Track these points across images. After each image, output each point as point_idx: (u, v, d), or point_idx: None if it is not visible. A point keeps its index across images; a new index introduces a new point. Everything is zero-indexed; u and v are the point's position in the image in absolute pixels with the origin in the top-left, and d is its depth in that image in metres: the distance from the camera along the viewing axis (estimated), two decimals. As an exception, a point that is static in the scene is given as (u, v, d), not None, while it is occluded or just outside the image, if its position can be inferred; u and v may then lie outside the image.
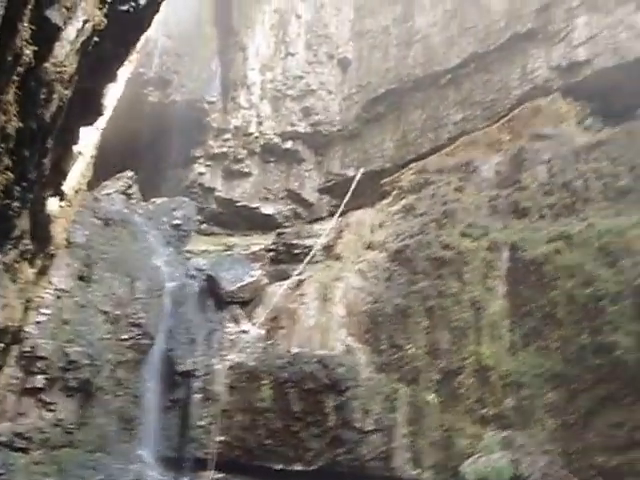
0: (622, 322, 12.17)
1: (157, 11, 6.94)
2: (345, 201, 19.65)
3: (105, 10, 5.94)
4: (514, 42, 18.81)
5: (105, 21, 6.00)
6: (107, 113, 8.71)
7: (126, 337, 15.41)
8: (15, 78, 5.10)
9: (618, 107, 15.92)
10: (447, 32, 20.52)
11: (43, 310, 13.96)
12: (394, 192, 17.95)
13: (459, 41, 20.12)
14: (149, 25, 6.96)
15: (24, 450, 13.54)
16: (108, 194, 18.96)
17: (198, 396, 15.16)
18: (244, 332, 16.12)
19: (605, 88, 16.64)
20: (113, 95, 8.60)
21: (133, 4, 6.26)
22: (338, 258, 16.82)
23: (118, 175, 20.03)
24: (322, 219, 21.23)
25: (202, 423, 14.86)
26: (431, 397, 13.88)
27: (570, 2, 17.75)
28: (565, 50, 17.73)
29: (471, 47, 19.78)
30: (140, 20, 6.61)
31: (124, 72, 7.86)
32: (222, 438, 14.60)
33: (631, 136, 14.60)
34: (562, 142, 15.83)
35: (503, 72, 19.00)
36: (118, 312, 15.50)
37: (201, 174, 22.91)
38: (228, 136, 22.86)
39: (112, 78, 7.17)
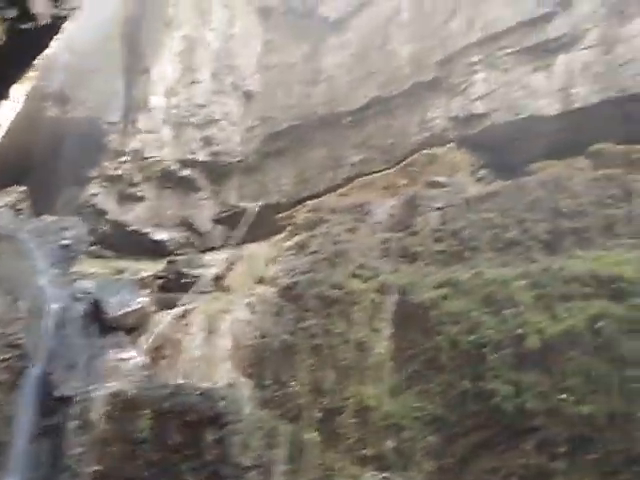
0: (502, 370, 12.42)
1: (59, 31, 6.82)
2: (239, 233, 19.60)
3: (4, 27, 5.81)
4: (417, 90, 19.22)
5: (4, 38, 5.87)
6: (3, 126, 8.50)
7: (2, 358, 14.87)
8: None
9: (510, 161, 16.43)
10: (352, 74, 20.81)
11: None
12: (288, 228, 18.04)
13: (363, 84, 20.42)
14: (49, 44, 6.84)
15: None
16: (-4, 208, 18.42)
17: (74, 423, 14.71)
18: (127, 359, 15.78)
19: (499, 142, 17.18)
20: (10, 110, 8.39)
21: (34, 23, 6.14)
22: (228, 290, 16.71)
23: (9, 189, 19.48)
24: (215, 249, 21.06)
25: (76, 451, 14.40)
26: (312, 435, 13.82)
27: (470, 57, 18.31)
28: (464, 102, 18.21)
29: (375, 91, 20.10)
30: (40, 39, 6.49)
31: (21, 89, 7.68)
32: (97, 468, 14.16)
33: (521, 190, 15.04)
34: (455, 191, 16.21)
35: (404, 118, 19.35)
36: (-4, 332, 14.98)
37: (95, 195, 22.45)
38: (125, 158, 22.51)
39: (5, 95, 7.00)
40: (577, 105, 16.50)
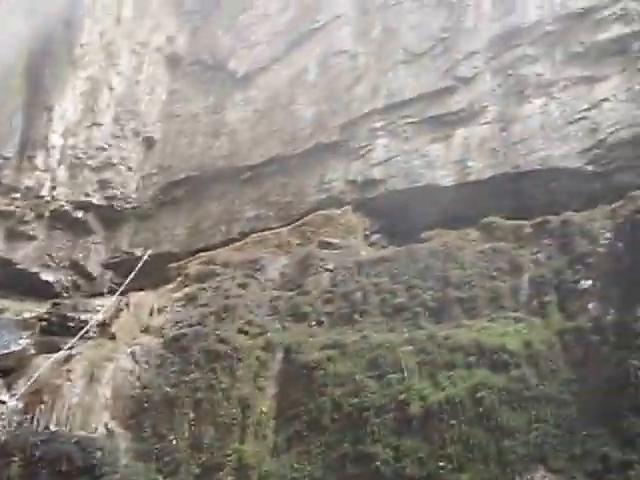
0: (384, 434, 12.48)
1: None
2: (128, 280, 19.34)
3: None
4: (317, 151, 19.43)
5: None
6: None
7: None
8: None
9: (404, 228, 16.73)
10: (254, 130, 20.95)
11: None
12: (179, 278, 17.92)
13: (265, 141, 20.56)
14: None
15: None
16: None
17: (-63, 469, 14.06)
18: (1, 403, 15.25)
19: (394, 208, 17.48)
20: None
21: None
22: (112, 337, 16.37)
23: None
24: (102, 295, 20.64)
25: (-63, 499, 13.76)
26: (189, 491, 13.56)
27: (373, 124, 18.67)
28: (362, 167, 18.51)
29: (276, 149, 20.24)
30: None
31: None
32: (-42, 517, 13.57)
33: (412, 257, 15.33)
34: (348, 253, 16.42)
35: (302, 178, 19.52)
36: None
37: (-18, 230, 21.87)
38: (17, 195, 21.98)
39: None
40: (472, 178, 16.97)
